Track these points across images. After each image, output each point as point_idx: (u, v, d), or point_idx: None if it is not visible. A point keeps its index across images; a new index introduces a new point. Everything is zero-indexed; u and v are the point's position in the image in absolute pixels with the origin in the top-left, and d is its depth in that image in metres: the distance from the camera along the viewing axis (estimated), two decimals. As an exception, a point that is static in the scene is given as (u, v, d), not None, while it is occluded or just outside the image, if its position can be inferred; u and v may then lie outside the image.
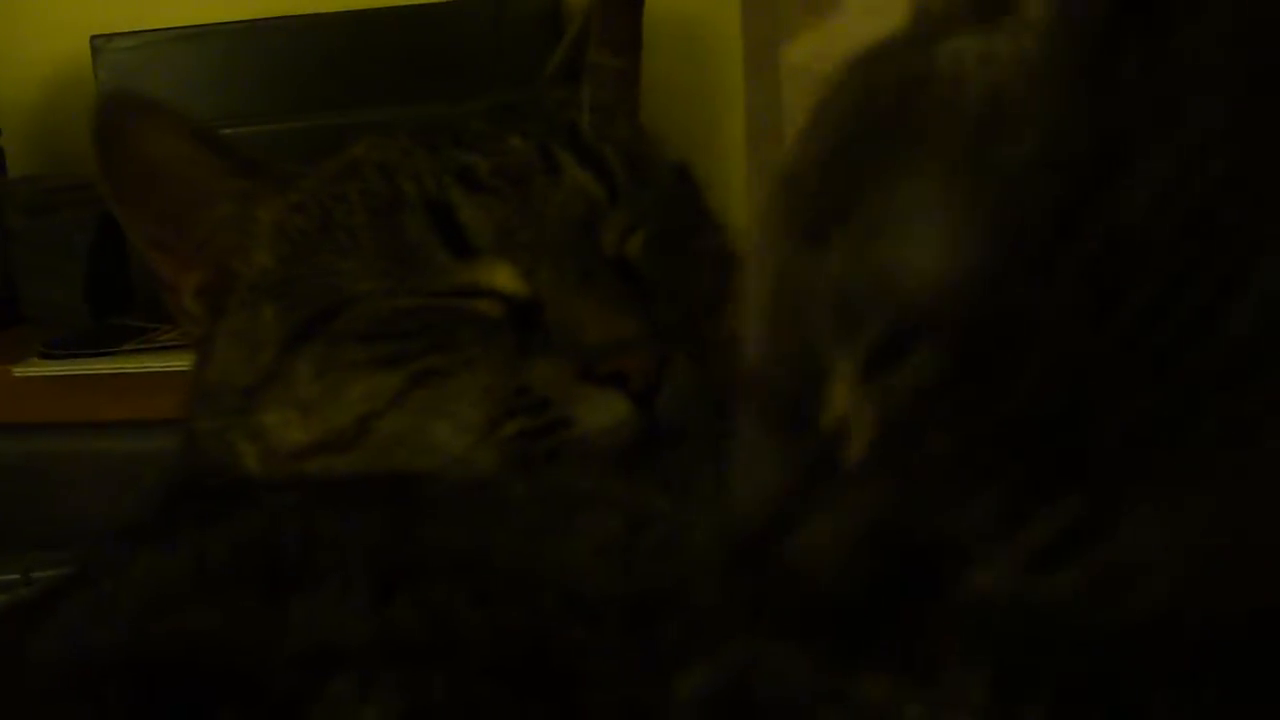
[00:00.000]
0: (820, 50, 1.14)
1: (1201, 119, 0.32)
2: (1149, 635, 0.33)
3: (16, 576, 0.91)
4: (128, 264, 1.08)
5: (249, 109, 0.97)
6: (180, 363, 0.97)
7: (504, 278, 0.49)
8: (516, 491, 0.44)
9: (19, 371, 1.04)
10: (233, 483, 0.53)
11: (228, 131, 0.99)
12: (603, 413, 0.46)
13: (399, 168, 0.52)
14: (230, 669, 0.37)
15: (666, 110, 1.23)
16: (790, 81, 1.17)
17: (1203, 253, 0.31)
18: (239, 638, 0.38)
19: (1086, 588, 0.32)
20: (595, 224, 0.51)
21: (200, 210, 0.54)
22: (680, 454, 0.46)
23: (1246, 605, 0.32)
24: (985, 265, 0.33)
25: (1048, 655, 0.34)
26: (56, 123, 1.22)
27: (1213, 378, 0.31)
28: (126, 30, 1.05)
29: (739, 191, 1.07)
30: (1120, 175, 0.32)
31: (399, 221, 0.50)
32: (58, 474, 1.01)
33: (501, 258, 0.49)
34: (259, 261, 0.54)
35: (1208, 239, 0.32)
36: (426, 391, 0.48)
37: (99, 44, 1.03)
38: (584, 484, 0.43)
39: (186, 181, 0.53)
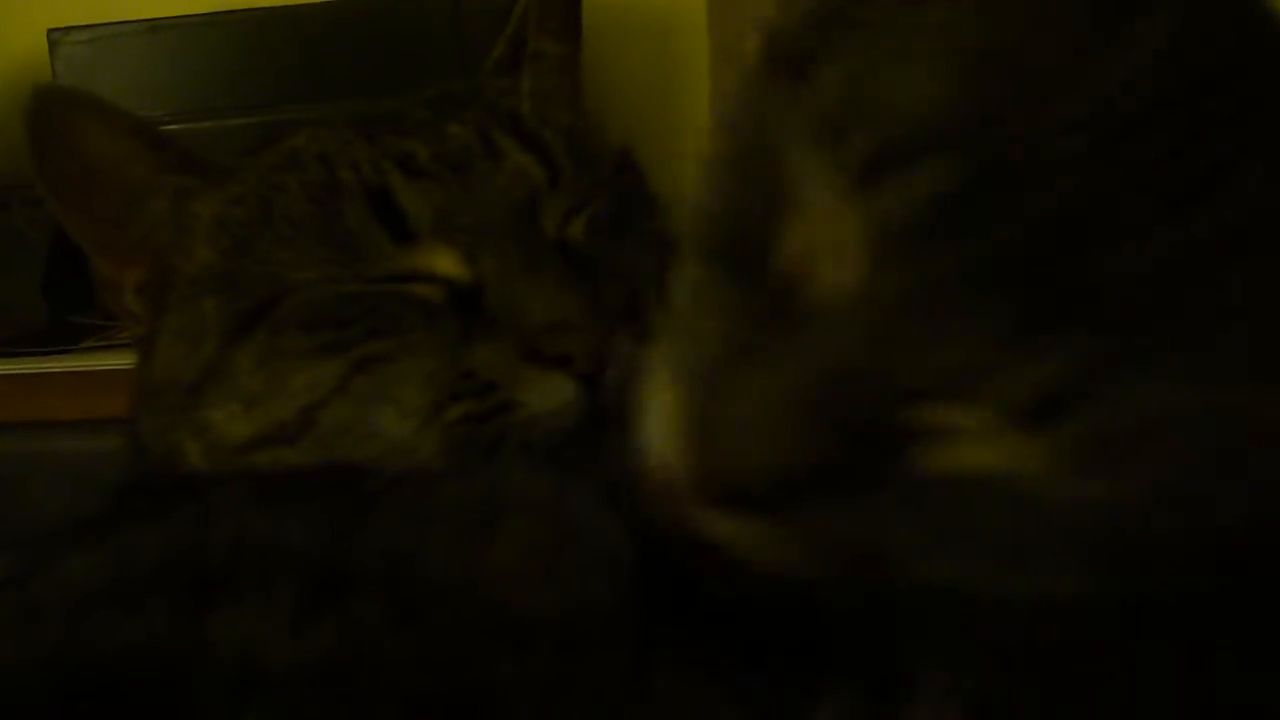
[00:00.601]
0: None
1: None
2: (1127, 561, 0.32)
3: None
4: (86, 262, 1.07)
5: (209, 103, 0.96)
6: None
7: (445, 262, 0.49)
8: (450, 491, 0.43)
9: (-19, 370, 1.03)
10: (176, 480, 0.52)
11: (187, 126, 1.00)
12: (548, 394, 0.46)
13: (338, 156, 0.51)
14: (147, 688, 0.35)
15: (632, 101, 1.24)
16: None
17: (1217, 109, 0.31)
18: (158, 653, 0.36)
19: (1069, 459, 0.31)
20: (536, 207, 0.50)
21: (138, 206, 0.53)
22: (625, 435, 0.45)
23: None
24: (997, 92, 0.33)
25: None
26: (12, 119, 1.21)
27: (1218, 237, 0.30)
28: (84, 24, 1.04)
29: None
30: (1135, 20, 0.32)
31: (339, 209, 0.49)
32: (13, 474, 1.00)
33: (442, 242, 0.49)
34: (199, 256, 0.53)
35: (1222, 95, 0.31)
36: (369, 378, 0.47)
37: (56, 37, 1.02)
38: (516, 483, 0.42)
39: (123, 177, 0.52)
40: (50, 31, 1.02)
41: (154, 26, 0.98)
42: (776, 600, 0.35)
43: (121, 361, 1.01)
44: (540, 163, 0.51)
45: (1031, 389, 0.31)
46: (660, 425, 0.37)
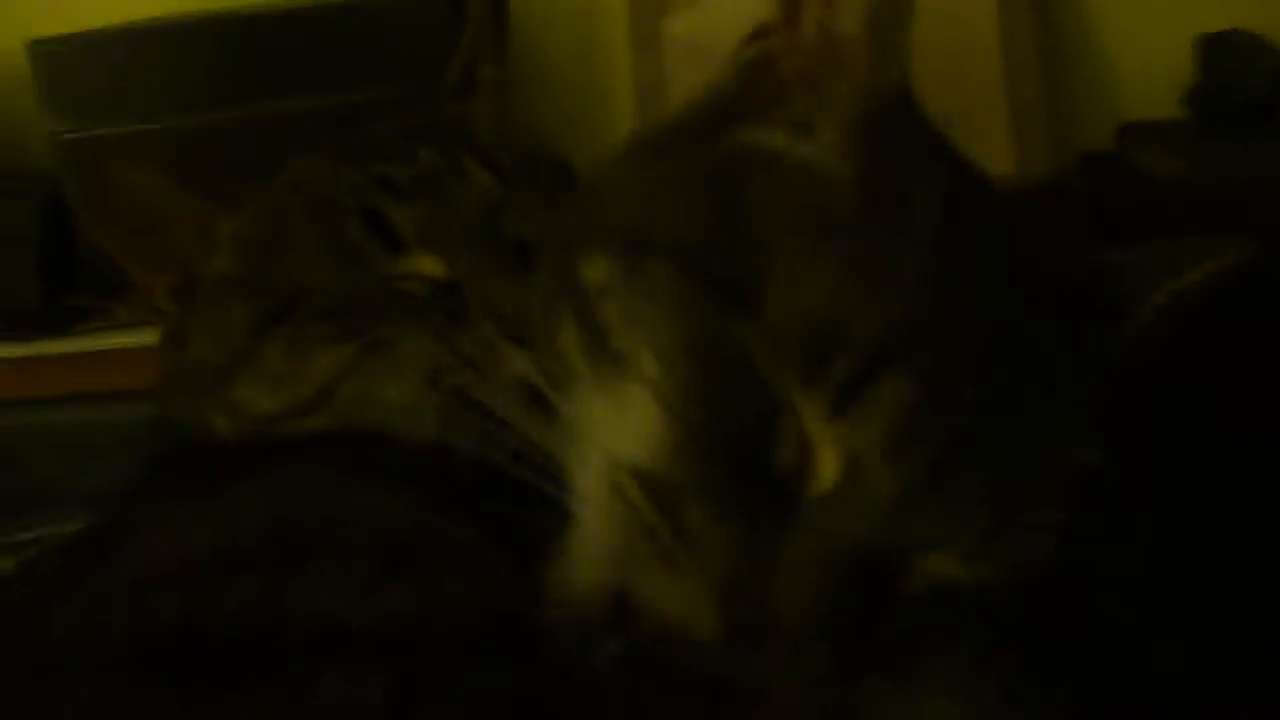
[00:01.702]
0: (698, 24, 1.26)
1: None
2: None
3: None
4: (75, 248, 1.16)
5: (191, 104, 1.05)
6: (131, 339, 1.07)
7: (429, 265, 0.60)
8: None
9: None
10: (215, 447, 0.64)
11: (169, 125, 1.06)
12: (517, 364, 0.58)
13: (332, 182, 0.63)
14: (241, 651, 0.40)
15: (561, 84, 1.34)
16: (672, 53, 1.28)
17: None
18: (250, 618, 0.42)
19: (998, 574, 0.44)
20: (497, 215, 0.62)
21: (170, 229, 0.65)
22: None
23: None
24: (907, 316, 0.41)
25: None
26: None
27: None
28: (65, 31, 1.10)
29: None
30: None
31: (340, 225, 0.61)
32: (17, 447, 1.10)
33: (425, 250, 0.60)
34: (221, 265, 0.65)
35: None
36: (376, 358, 0.58)
37: (35, 49, 1.08)
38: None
39: (156, 207, 0.64)
40: (30, 44, 1.10)
41: (134, 32, 1.06)
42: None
43: (116, 341, 1.12)
44: (497, 179, 0.63)
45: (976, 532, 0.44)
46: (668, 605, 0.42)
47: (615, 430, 0.45)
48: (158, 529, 0.52)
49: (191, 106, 1.02)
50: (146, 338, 1.05)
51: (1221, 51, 1.22)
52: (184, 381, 0.66)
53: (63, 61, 1.06)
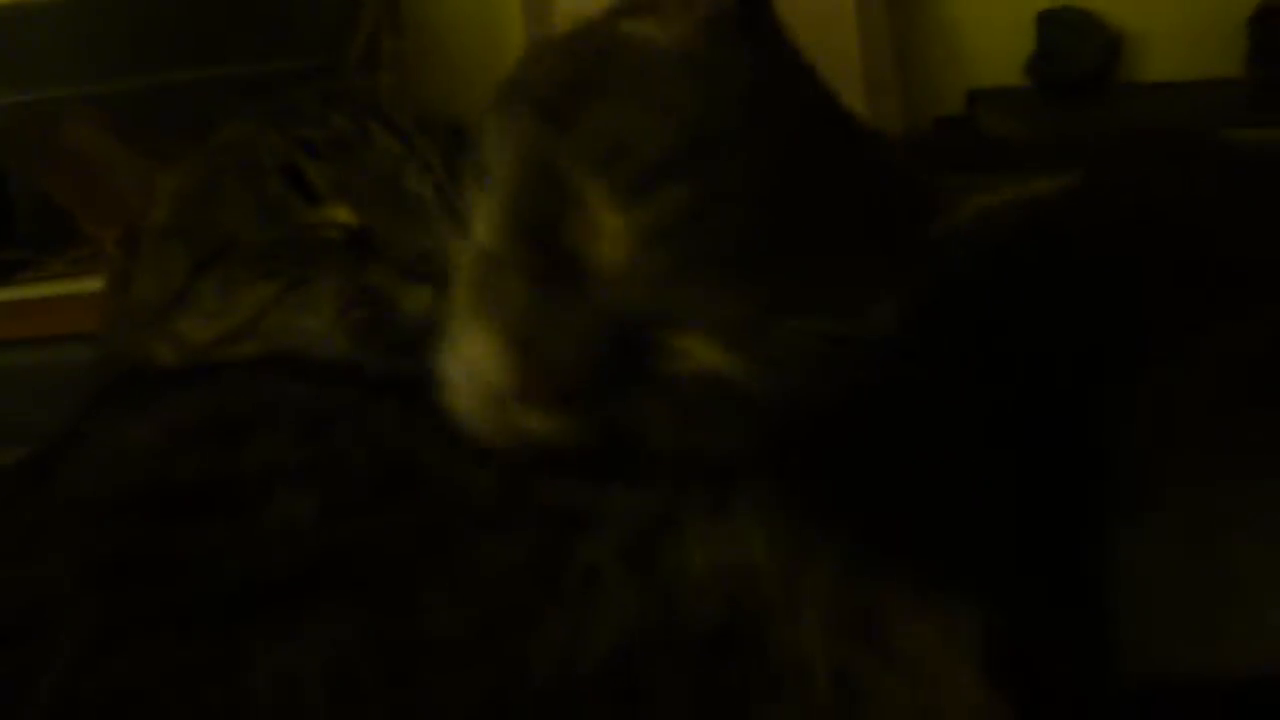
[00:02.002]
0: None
1: None
2: None
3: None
4: (12, 207, 1.25)
5: (103, 73, 1.13)
6: (63, 289, 1.16)
7: (342, 214, 0.69)
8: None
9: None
10: (158, 371, 0.75)
11: (86, 91, 1.15)
12: (418, 301, 0.66)
13: (257, 143, 0.74)
14: (203, 494, 0.51)
15: (460, 52, 1.43)
16: (564, 23, 1.38)
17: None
18: (208, 472, 0.53)
19: (758, 363, 0.53)
20: (400, 172, 0.73)
21: (114, 182, 0.75)
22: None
23: None
24: (695, 143, 0.52)
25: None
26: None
27: None
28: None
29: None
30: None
31: (265, 181, 0.71)
32: None
33: (339, 201, 0.71)
34: (160, 217, 0.74)
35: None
36: (297, 294, 0.68)
37: None
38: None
39: (106, 162, 0.74)
40: None
41: (60, 5, 1.13)
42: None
43: (48, 291, 1.21)
44: (399, 140, 0.74)
45: (736, 320, 0.53)
46: (476, 354, 0.54)
47: (477, 222, 0.60)
48: (111, 429, 0.62)
49: (113, 74, 1.10)
50: (77, 286, 1.15)
51: (1058, 26, 1.36)
52: (128, 319, 0.75)
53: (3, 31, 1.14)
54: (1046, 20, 1.37)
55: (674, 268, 0.52)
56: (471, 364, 0.56)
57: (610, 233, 0.53)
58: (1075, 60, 1.35)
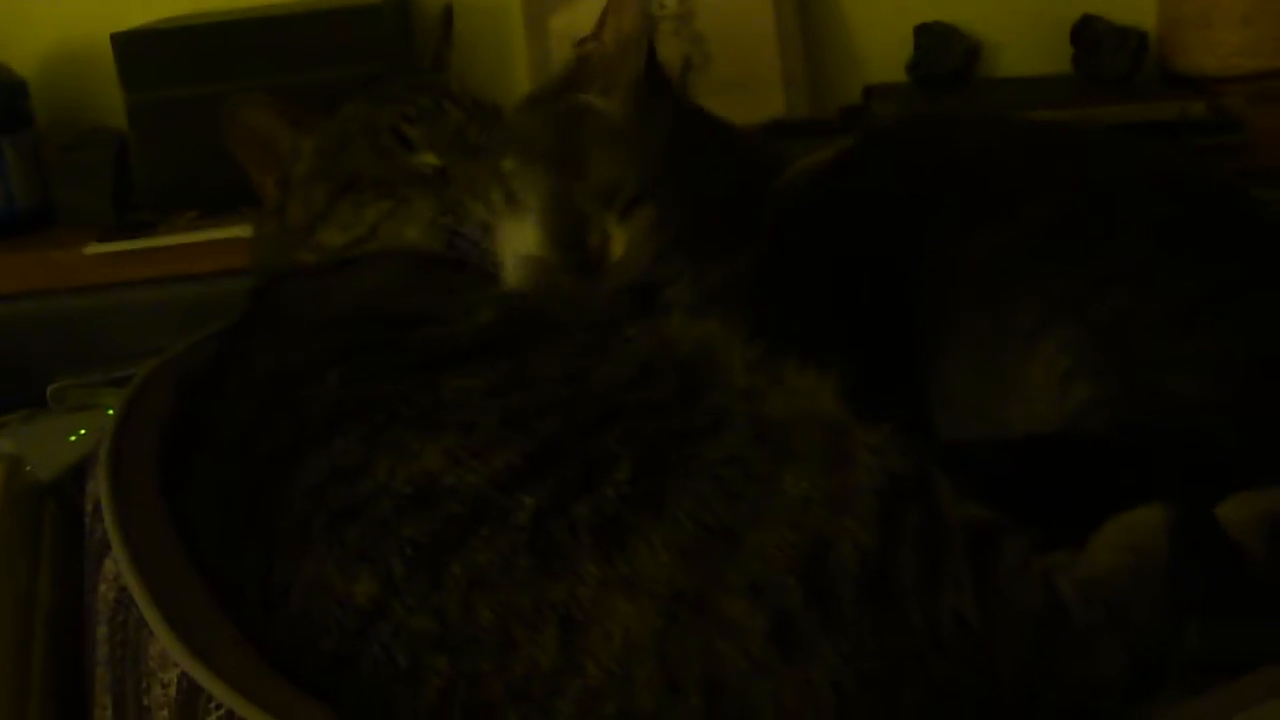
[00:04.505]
0: (574, 20, 1.68)
1: None
2: None
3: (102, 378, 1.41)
4: (132, 182, 1.58)
5: (227, 76, 1.45)
6: (194, 238, 1.52)
7: (429, 158, 1.06)
8: None
9: (89, 251, 1.50)
10: (308, 269, 1.13)
11: (212, 92, 1.50)
12: (479, 214, 1.00)
13: (373, 113, 1.11)
14: (419, 313, 0.82)
15: (476, 65, 1.72)
16: (556, 42, 1.71)
17: None
18: (421, 306, 0.84)
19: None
20: (464, 130, 1.10)
21: (276, 146, 1.13)
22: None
23: None
24: (650, 178, 0.88)
25: None
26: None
27: None
28: (142, 23, 1.48)
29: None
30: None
31: (378, 137, 1.09)
32: (116, 319, 1.49)
33: (427, 150, 1.08)
34: (305, 166, 1.12)
35: None
36: (402, 209, 1.05)
37: (117, 38, 1.47)
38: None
39: (270, 132, 1.13)
40: (113, 36, 1.47)
41: (200, 28, 1.47)
42: None
43: (185, 239, 1.51)
44: (462, 111, 1.13)
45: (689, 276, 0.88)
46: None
47: (517, 238, 0.90)
48: (341, 280, 0.98)
49: (235, 77, 1.46)
50: (193, 238, 1.50)
51: (930, 35, 1.69)
52: (283, 237, 1.12)
53: (138, 49, 1.50)
54: (921, 31, 1.69)
55: (654, 254, 0.86)
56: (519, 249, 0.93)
57: (616, 238, 0.87)
58: (944, 62, 1.67)
